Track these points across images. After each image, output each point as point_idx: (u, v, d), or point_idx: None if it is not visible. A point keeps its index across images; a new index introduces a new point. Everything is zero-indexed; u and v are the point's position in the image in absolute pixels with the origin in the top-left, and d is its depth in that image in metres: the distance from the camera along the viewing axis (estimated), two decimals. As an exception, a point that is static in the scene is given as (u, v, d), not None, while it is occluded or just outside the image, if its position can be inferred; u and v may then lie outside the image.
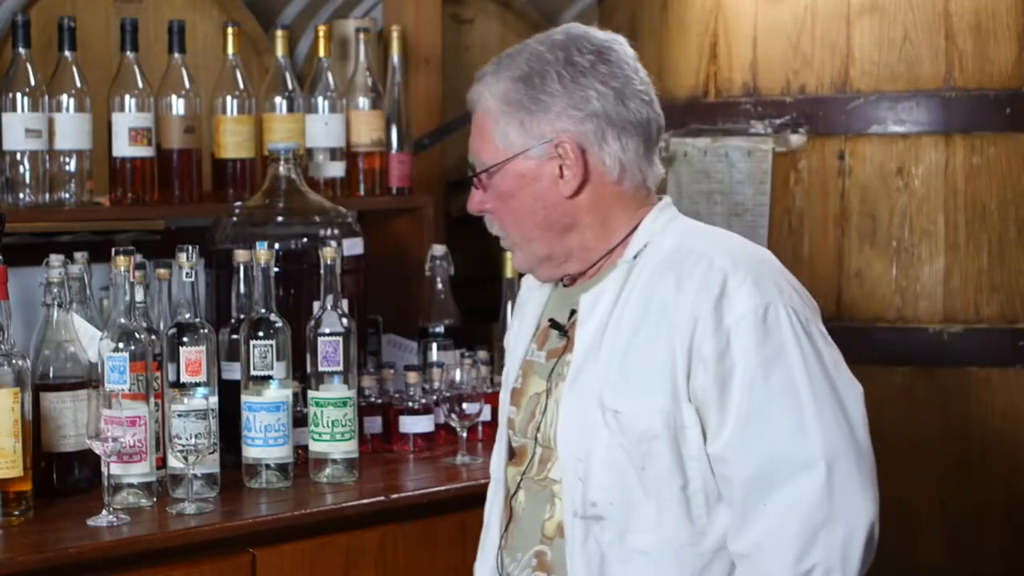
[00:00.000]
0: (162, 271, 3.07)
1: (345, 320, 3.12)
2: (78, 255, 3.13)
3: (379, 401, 3.41)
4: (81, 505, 2.85)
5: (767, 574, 2.22)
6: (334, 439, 3.10)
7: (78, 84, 3.33)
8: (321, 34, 3.76)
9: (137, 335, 2.89)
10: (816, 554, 2.20)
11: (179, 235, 3.40)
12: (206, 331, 2.99)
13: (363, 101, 3.84)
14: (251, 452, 3.05)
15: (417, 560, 3.02)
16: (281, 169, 3.45)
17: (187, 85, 3.50)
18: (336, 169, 3.77)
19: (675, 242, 2.33)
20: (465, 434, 3.29)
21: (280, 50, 3.68)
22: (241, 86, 3.59)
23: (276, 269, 3.14)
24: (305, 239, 3.38)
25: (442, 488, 3.11)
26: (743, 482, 2.22)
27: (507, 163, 2.35)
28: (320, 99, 3.75)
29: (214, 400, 2.96)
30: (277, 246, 3.25)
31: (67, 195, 3.34)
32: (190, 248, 2.97)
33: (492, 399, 3.49)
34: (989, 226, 3.32)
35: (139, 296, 2.98)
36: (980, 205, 3.33)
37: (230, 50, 3.59)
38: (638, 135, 2.35)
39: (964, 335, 3.33)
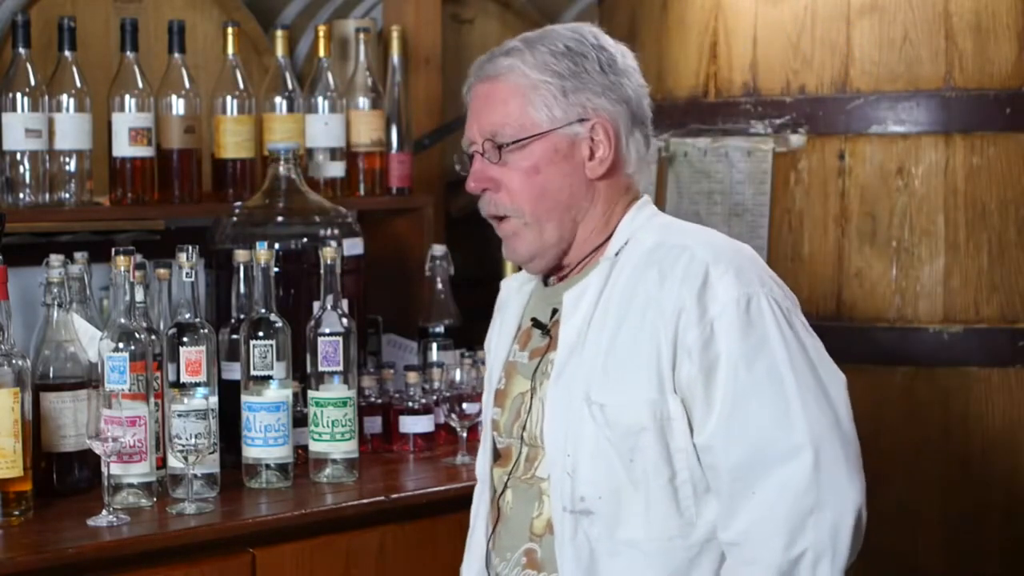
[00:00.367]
0: (162, 271, 3.07)
1: (345, 320, 3.12)
2: (78, 255, 3.13)
3: (379, 401, 3.41)
4: (81, 505, 2.86)
5: (757, 561, 2.23)
6: (334, 439, 3.10)
7: (78, 84, 3.33)
8: (321, 34, 3.76)
9: (137, 335, 2.89)
10: (806, 540, 2.21)
11: (179, 235, 3.40)
12: (206, 331, 2.99)
13: (363, 101, 3.84)
14: (251, 452, 3.05)
15: (417, 560, 3.02)
16: (281, 169, 3.45)
17: (187, 85, 3.50)
18: (336, 169, 3.77)
19: (656, 238, 2.35)
20: (465, 434, 3.29)
21: (280, 50, 3.68)
22: (241, 86, 3.59)
23: (276, 269, 3.14)
24: (305, 239, 3.38)
25: (442, 488, 3.11)
26: (730, 470, 2.24)
27: (543, 136, 2.34)
28: (320, 99, 3.75)
29: (214, 400, 2.96)
30: (277, 246, 3.25)
31: (67, 195, 3.34)
32: (190, 248, 2.97)
33: (492, 399, 3.49)
34: (989, 226, 3.32)
35: (139, 296, 2.98)
36: (980, 205, 3.33)
37: (230, 50, 3.59)
38: (645, 136, 2.40)
39: (964, 335, 3.33)
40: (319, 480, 3.10)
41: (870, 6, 3.36)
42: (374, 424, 3.38)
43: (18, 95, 3.27)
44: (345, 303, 3.19)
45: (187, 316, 2.98)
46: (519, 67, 2.35)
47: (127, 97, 3.40)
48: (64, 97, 3.32)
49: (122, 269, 2.88)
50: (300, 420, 3.15)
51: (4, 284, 2.78)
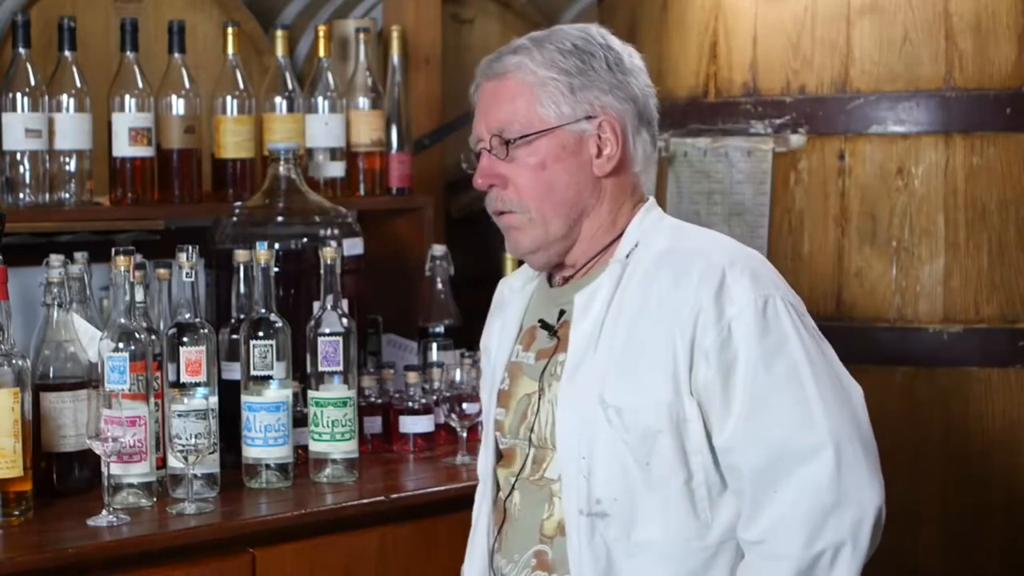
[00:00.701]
0: (162, 271, 3.07)
1: (345, 320, 3.12)
2: (78, 255, 3.13)
3: (379, 401, 3.41)
4: (81, 505, 2.86)
5: (778, 557, 2.23)
6: (334, 439, 3.10)
7: (78, 84, 3.33)
8: (321, 34, 3.76)
9: (137, 335, 2.89)
10: (826, 536, 2.22)
11: (179, 235, 3.40)
12: (206, 331, 2.99)
13: (363, 101, 3.84)
14: (251, 452, 3.05)
15: (417, 560, 3.02)
16: (281, 169, 3.45)
17: (187, 85, 3.50)
18: (336, 169, 3.77)
19: (667, 242, 2.35)
20: (465, 434, 3.29)
21: (280, 50, 3.68)
22: (241, 86, 3.59)
23: (276, 269, 3.14)
24: (305, 239, 3.38)
25: (442, 488, 3.11)
26: (751, 470, 2.24)
27: (550, 132, 2.35)
28: (320, 99, 3.75)
29: (214, 400, 2.96)
30: (277, 246, 3.25)
31: (67, 195, 3.34)
32: (190, 248, 2.97)
33: (492, 399, 3.49)
34: (989, 226, 3.32)
35: (139, 296, 2.98)
36: (980, 205, 3.33)
37: (230, 50, 3.59)
38: (652, 136, 2.41)
39: (964, 335, 3.33)
40: (319, 480, 3.10)
41: (870, 6, 3.36)
42: (374, 424, 3.38)
43: (18, 95, 3.27)
44: (345, 303, 3.18)
45: (187, 316, 2.98)
46: (527, 64, 2.35)
47: (127, 97, 3.40)
48: (64, 97, 3.32)
49: (122, 269, 2.88)
50: (300, 420, 3.15)
51: (4, 284, 2.78)
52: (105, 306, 3.24)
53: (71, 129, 3.33)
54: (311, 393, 3.13)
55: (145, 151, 3.42)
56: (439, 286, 3.74)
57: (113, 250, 2.91)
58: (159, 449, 2.96)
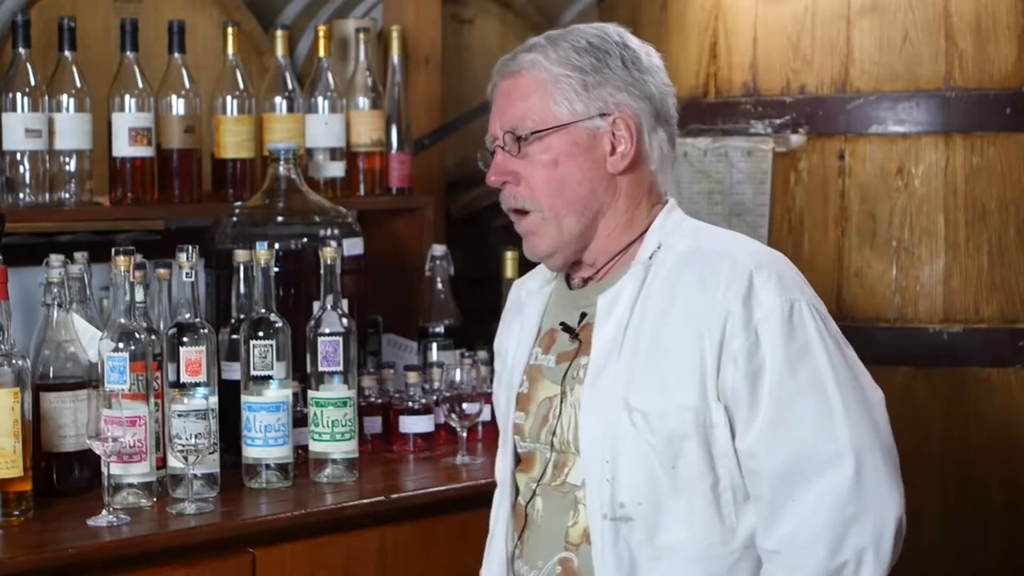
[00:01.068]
0: (162, 271, 3.07)
1: (345, 320, 3.12)
2: (78, 255, 3.13)
3: (379, 401, 3.41)
4: (81, 505, 2.85)
5: (799, 569, 2.23)
6: (334, 439, 3.10)
7: (78, 84, 3.33)
8: (321, 34, 3.76)
9: (137, 335, 2.89)
10: (848, 548, 2.21)
11: (179, 235, 3.40)
12: (206, 331, 2.99)
13: (363, 101, 3.84)
14: (251, 452, 3.05)
15: (417, 560, 3.02)
16: (281, 169, 3.45)
17: (187, 85, 3.50)
18: (336, 169, 3.77)
19: (690, 243, 2.34)
20: (465, 434, 3.29)
21: (280, 50, 3.68)
22: (241, 86, 3.59)
23: (276, 269, 3.14)
24: (305, 239, 3.38)
25: (442, 488, 3.11)
26: (771, 476, 2.23)
27: (562, 128, 2.34)
28: (320, 99, 3.75)
29: (214, 400, 2.96)
30: (277, 246, 3.25)
31: (67, 195, 3.34)
32: (190, 248, 2.97)
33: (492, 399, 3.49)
34: (989, 226, 3.32)
35: (139, 296, 2.98)
36: (980, 205, 3.33)
37: (230, 50, 3.59)
38: (670, 136, 2.40)
39: (964, 335, 3.33)
40: (319, 480, 3.10)
41: (870, 6, 3.36)
42: (374, 424, 3.38)
43: (18, 95, 3.27)
44: (345, 303, 3.18)
45: (187, 316, 2.98)
46: (541, 62, 2.35)
47: (127, 97, 3.40)
48: (64, 97, 3.32)
49: (122, 269, 2.88)
50: (300, 420, 3.15)
51: (4, 284, 2.78)
52: (105, 306, 3.24)
53: (71, 129, 3.33)
54: (311, 393, 3.13)
55: (145, 151, 3.42)
56: (439, 286, 3.74)
57: (113, 250, 2.91)
58: (159, 449, 2.96)
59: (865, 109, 3.37)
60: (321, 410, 3.10)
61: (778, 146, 3.45)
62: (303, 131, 3.71)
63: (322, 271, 3.12)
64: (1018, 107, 3.32)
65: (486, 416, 3.41)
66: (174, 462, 2.93)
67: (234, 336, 3.12)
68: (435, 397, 3.38)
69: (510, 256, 3.71)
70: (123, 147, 3.41)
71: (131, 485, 2.89)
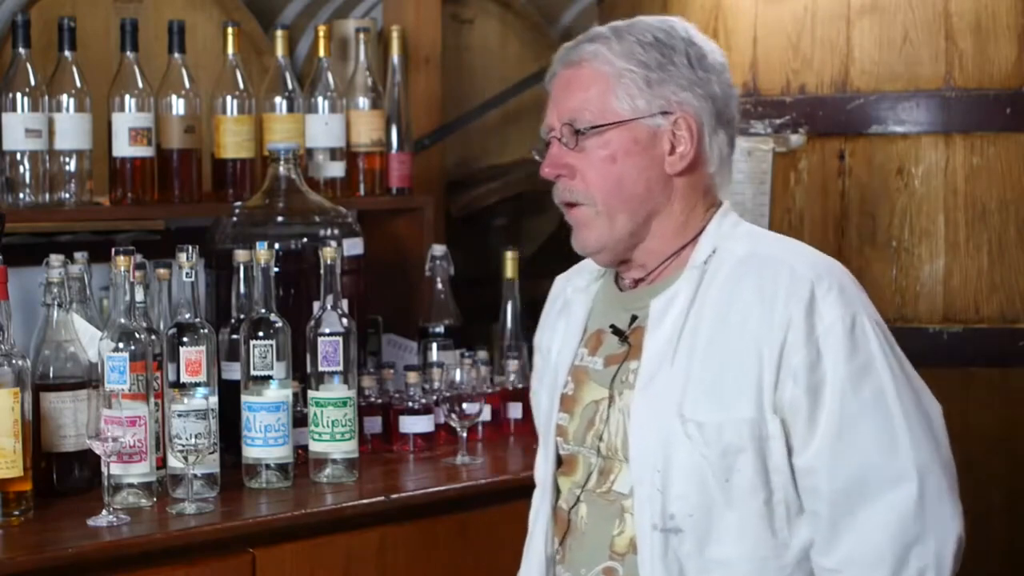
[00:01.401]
0: (162, 271, 3.07)
1: (345, 320, 3.12)
2: (78, 255, 3.13)
3: (379, 401, 3.41)
4: (81, 505, 2.85)
5: None
6: (334, 439, 3.10)
7: (78, 84, 3.33)
8: (321, 34, 3.76)
9: (137, 335, 2.89)
10: (910, 569, 2.17)
11: (179, 235, 3.40)
12: (206, 331, 2.99)
13: (363, 101, 3.84)
14: (251, 452, 3.05)
15: (417, 560, 3.02)
16: (281, 169, 3.45)
17: (187, 85, 3.50)
18: (336, 169, 3.77)
19: (747, 249, 2.29)
20: (465, 434, 3.29)
21: (280, 50, 3.68)
22: (241, 86, 3.59)
23: (276, 269, 3.14)
24: (305, 239, 3.38)
25: (442, 488, 3.11)
26: (832, 494, 2.19)
27: (622, 124, 2.27)
28: (320, 99, 3.75)
29: (214, 400, 2.96)
30: (277, 246, 3.25)
31: (67, 195, 3.34)
32: (190, 248, 2.97)
33: (492, 399, 3.49)
34: (989, 226, 3.32)
35: (139, 296, 2.98)
36: (980, 205, 3.33)
37: (230, 50, 3.59)
38: (731, 136, 2.34)
39: (964, 335, 3.33)
40: (319, 480, 3.10)
41: (870, 6, 3.36)
42: (374, 424, 3.38)
43: (18, 95, 3.27)
44: (345, 303, 3.18)
45: (187, 316, 2.98)
46: (604, 53, 2.27)
47: (127, 97, 3.40)
48: (64, 97, 3.32)
49: (122, 269, 2.88)
50: (300, 420, 3.15)
51: (4, 284, 2.78)
52: (105, 306, 3.24)
53: (71, 129, 3.33)
54: (311, 393, 3.13)
55: (145, 151, 3.42)
56: (439, 286, 3.74)
57: (113, 250, 2.91)
58: (159, 449, 2.96)
59: (865, 109, 3.37)
60: (321, 410, 3.10)
61: (778, 146, 3.45)
62: (303, 131, 3.71)
63: (322, 271, 3.12)
64: (1018, 107, 3.32)
65: (486, 416, 3.41)
66: (174, 462, 2.93)
67: (234, 336, 3.12)
68: (435, 397, 3.38)
69: (510, 256, 3.71)
70: (123, 147, 3.41)
71: (131, 485, 2.89)
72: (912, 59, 3.35)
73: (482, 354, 3.53)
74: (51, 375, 2.97)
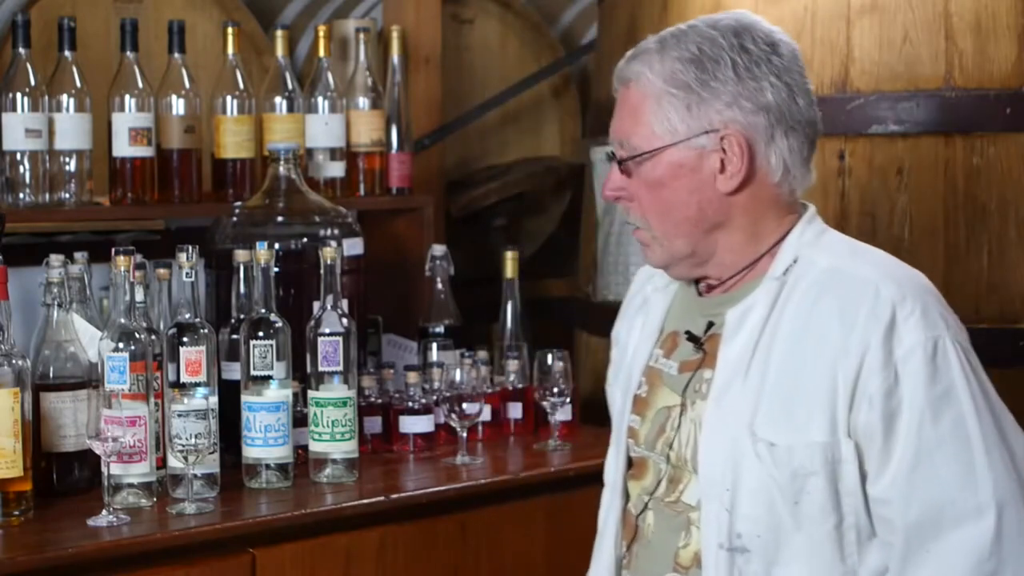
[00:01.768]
0: (162, 271, 3.07)
1: (345, 320, 3.13)
2: (78, 255, 3.13)
3: (379, 401, 3.41)
4: (81, 505, 2.85)
5: None
6: (334, 439, 3.10)
7: (78, 84, 3.33)
8: (321, 34, 3.76)
9: (137, 335, 2.89)
10: None
11: (179, 235, 3.40)
12: (206, 331, 2.99)
13: (363, 101, 3.84)
14: (251, 452, 3.05)
15: (417, 560, 3.02)
16: (281, 169, 3.45)
17: (187, 85, 3.50)
18: (336, 169, 3.77)
19: (829, 262, 2.22)
20: (465, 434, 3.28)
21: (280, 50, 3.68)
22: (241, 86, 3.60)
23: (276, 269, 3.14)
24: (305, 239, 3.38)
25: (442, 488, 3.11)
26: (907, 526, 2.13)
27: (664, 150, 2.21)
28: (320, 99, 3.75)
29: (214, 400, 2.96)
30: (277, 246, 3.25)
31: (67, 195, 3.34)
32: (190, 248, 2.97)
33: (492, 399, 3.49)
34: (989, 226, 3.32)
35: (139, 296, 2.98)
36: (980, 205, 3.33)
37: (230, 50, 3.59)
38: (804, 136, 2.25)
39: (964, 335, 3.33)
40: (319, 480, 3.10)
41: (870, 6, 3.36)
42: (374, 424, 3.38)
43: (18, 95, 3.27)
44: (345, 303, 3.19)
45: (187, 316, 2.98)
46: (645, 74, 2.22)
47: (127, 97, 3.40)
48: (64, 97, 3.32)
49: (122, 269, 2.88)
50: (300, 420, 3.15)
51: (4, 284, 2.78)
52: (105, 306, 3.24)
53: (71, 129, 3.33)
54: (311, 393, 3.13)
55: (145, 151, 3.42)
56: (439, 286, 3.74)
57: (113, 250, 2.91)
58: (159, 449, 2.96)
59: (865, 109, 3.36)
60: (321, 410, 3.10)
61: (778, 146, 3.45)
62: (303, 131, 3.71)
63: (322, 271, 3.13)
64: (1018, 107, 3.32)
65: (486, 416, 3.41)
66: (174, 462, 2.93)
67: (234, 336, 3.12)
68: (435, 397, 3.38)
69: (510, 256, 3.71)
70: (123, 147, 3.41)
71: (131, 485, 2.89)
72: (912, 59, 3.35)
73: (482, 354, 3.53)
74: (51, 375, 2.97)
